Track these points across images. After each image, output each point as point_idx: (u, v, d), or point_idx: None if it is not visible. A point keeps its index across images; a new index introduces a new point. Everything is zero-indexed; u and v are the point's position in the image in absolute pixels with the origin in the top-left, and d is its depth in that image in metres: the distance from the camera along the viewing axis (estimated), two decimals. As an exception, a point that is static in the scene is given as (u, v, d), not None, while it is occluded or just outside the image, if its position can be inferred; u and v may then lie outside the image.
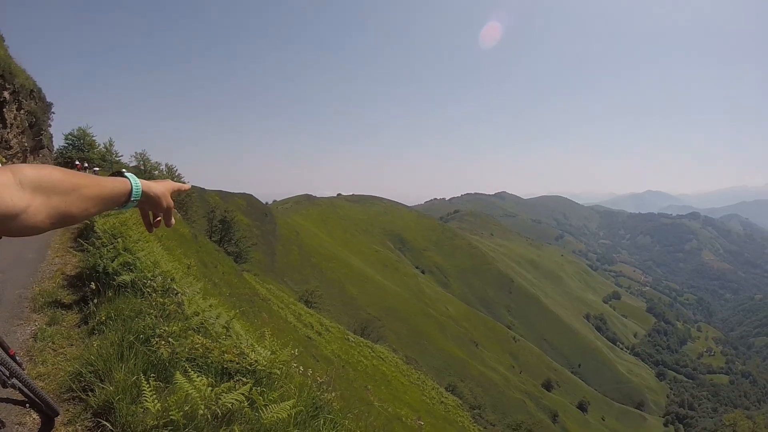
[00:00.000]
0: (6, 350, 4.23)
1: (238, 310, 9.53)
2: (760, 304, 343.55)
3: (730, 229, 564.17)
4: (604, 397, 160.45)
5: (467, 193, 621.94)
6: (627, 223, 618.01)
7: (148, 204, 1.62)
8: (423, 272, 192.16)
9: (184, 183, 1.87)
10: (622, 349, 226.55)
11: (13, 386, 4.18)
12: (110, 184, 1.45)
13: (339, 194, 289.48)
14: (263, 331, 7.16)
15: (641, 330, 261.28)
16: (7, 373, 4.07)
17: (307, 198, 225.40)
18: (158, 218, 1.71)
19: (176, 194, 1.73)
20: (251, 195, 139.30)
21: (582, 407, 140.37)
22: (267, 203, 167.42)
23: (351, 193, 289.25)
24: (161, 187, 1.64)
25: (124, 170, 1.61)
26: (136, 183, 1.54)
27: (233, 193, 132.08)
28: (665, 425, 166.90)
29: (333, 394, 6.14)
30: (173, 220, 1.71)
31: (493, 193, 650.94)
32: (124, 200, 1.51)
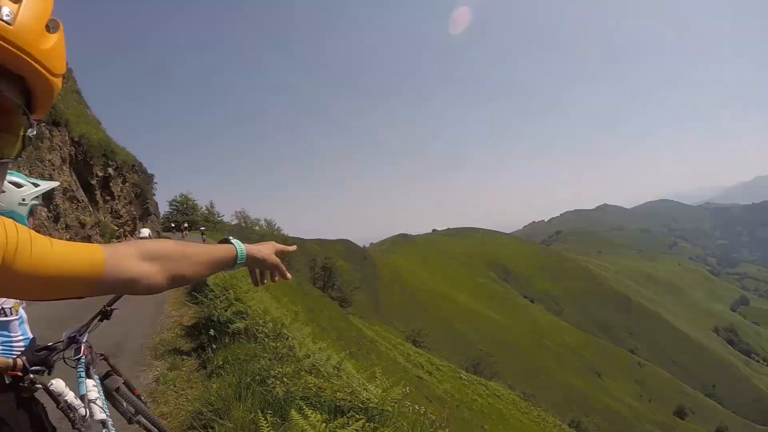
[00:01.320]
0: (132, 391, 4.66)
1: (347, 352, 9.75)
2: None
3: None
4: (744, 420, 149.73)
5: (567, 212, 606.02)
6: (743, 217, 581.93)
7: (254, 264, 1.88)
8: (532, 301, 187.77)
9: (289, 245, 2.15)
10: (758, 361, 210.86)
11: (138, 423, 4.69)
12: (218, 251, 1.76)
13: (434, 230, 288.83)
14: (374, 370, 7.28)
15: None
16: (133, 410, 4.59)
17: (403, 237, 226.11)
18: (265, 276, 1.97)
19: (281, 254, 1.97)
20: (348, 240, 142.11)
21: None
22: (364, 246, 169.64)
23: (446, 228, 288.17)
24: (265, 249, 1.90)
25: (230, 237, 1.89)
26: (241, 248, 1.82)
27: (331, 240, 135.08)
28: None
29: (446, 430, 6.16)
30: (288, 274, 1.96)
31: (594, 207, 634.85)
32: (231, 263, 1.79)
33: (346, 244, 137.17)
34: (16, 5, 0.65)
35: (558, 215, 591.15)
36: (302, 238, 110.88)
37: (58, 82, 0.81)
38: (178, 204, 76.40)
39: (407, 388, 6.33)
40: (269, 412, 5.01)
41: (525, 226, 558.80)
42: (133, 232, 38.15)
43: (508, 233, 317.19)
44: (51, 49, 0.72)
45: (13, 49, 0.65)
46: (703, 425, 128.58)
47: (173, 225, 55.93)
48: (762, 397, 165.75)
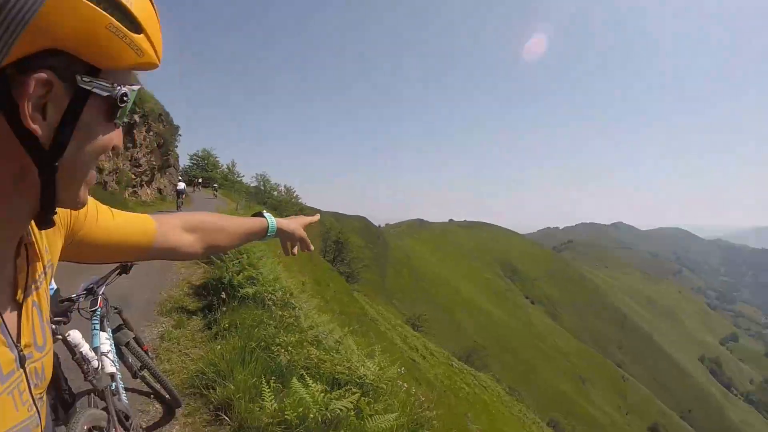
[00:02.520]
0: (141, 346, 4.83)
1: (349, 328, 9.95)
2: None
3: None
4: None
5: (582, 223, 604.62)
6: (750, 259, 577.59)
7: (283, 236, 2.02)
8: (533, 303, 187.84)
9: (313, 215, 2.39)
10: (736, 395, 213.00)
11: (143, 378, 4.94)
12: (251, 223, 1.91)
13: (451, 220, 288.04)
14: (373, 348, 7.47)
15: (758, 376, 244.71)
16: (139, 365, 4.77)
17: (420, 223, 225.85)
18: (295, 246, 2.08)
19: (307, 226, 2.13)
20: (365, 218, 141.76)
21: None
22: (380, 226, 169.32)
23: (463, 219, 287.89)
24: (294, 224, 2.05)
25: (263, 211, 2.02)
26: (272, 221, 1.97)
27: (348, 215, 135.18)
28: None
29: (434, 413, 6.35)
30: (311, 246, 2.12)
31: (609, 223, 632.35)
32: (262, 234, 1.94)
33: (362, 221, 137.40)
34: None
35: (573, 225, 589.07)
36: (320, 209, 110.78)
37: None
38: (199, 159, 75.75)
39: (402, 368, 6.56)
40: (272, 377, 5.26)
41: (539, 230, 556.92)
42: (150, 183, 37.53)
43: (521, 234, 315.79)
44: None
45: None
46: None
47: (190, 180, 56.14)
48: (733, 428, 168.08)
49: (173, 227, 1.63)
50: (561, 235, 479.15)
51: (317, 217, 2.34)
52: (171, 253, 1.62)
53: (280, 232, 2.02)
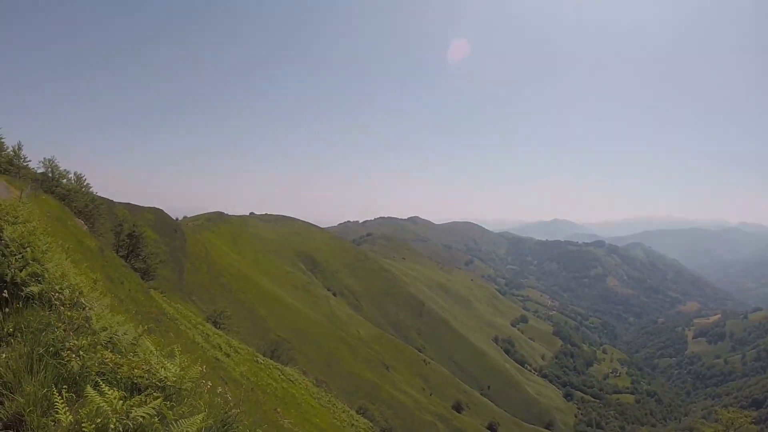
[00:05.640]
0: None
1: (145, 328, 9.45)
2: (663, 327, 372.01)
3: (633, 256, 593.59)
4: (514, 418, 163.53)
5: (380, 217, 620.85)
6: (535, 250, 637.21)
7: None
8: (335, 294, 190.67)
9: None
10: (530, 371, 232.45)
11: None
12: None
13: (251, 213, 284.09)
14: (173, 348, 7.16)
15: (548, 352, 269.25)
16: None
17: (219, 215, 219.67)
18: None
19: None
20: (161, 210, 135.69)
21: (492, 428, 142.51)
22: (177, 219, 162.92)
23: (264, 213, 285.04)
24: None
25: None
26: None
27: (142, 206, 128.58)
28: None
29: (242, 410, 6.21)
30: None
31: (406, 218, 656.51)
32: None
33: (158, 213, 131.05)
34: None
35: (372, 219, 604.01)
36: (111, 200, 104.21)
37: None
38: (-20, 140, 68.39)
39: (203, 368, 6.34)
40: (64, 387, 4.82)
41: (339, 224, 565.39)
42: None
43: (322, 227, 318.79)
44: None
45: None
46: (477, 419, 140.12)
47: None
48: (530, 400, 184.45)
49: None
50: (360, 229, 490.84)
51: None
52: None
53: None
